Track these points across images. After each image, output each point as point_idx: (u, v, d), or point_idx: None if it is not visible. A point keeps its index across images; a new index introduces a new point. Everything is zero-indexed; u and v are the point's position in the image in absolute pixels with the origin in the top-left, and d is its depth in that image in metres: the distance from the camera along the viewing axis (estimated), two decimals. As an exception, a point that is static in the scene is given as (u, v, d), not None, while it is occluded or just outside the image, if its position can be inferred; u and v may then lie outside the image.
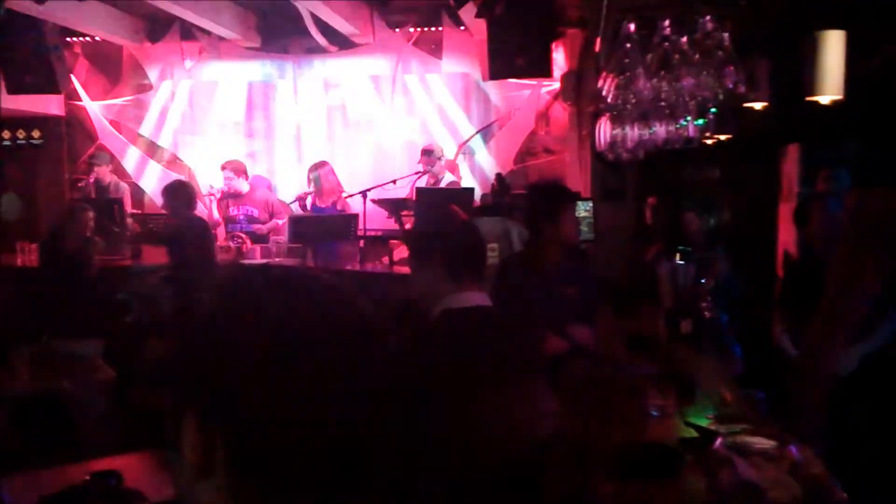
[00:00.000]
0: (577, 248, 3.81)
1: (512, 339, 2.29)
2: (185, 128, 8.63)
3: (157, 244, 6.34)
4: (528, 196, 3.86)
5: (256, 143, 8.50)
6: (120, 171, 8.29)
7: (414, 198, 6.66)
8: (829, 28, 3.86)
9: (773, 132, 4.93)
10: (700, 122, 3.78)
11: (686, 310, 3.82)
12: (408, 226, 6.36)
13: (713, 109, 3.67)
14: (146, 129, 8.67)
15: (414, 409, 1.93)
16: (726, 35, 3.16)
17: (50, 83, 7.39)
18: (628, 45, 3.15)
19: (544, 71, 6.29)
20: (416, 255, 2.42)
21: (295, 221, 6.73)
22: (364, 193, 6.77)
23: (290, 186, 8.05)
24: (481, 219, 4.75)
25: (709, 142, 4.23)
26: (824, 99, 3.86)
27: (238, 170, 7.24)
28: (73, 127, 8.65)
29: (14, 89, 7.25)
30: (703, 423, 2.69)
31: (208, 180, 7.67)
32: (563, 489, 2.17)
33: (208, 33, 8.02)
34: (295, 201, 7.31)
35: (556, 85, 7.25)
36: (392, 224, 6.74)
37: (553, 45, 6.41)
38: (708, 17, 3.11)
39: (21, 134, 8.39)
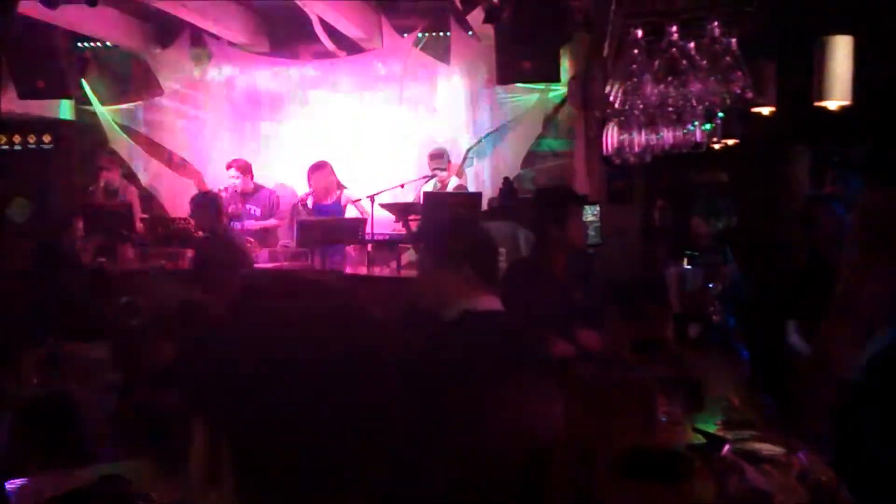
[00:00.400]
0: (584, 252, 3.81)
1: (522, 343, 2.30)
2: (194, 132, 8.65)
3: (178, 248, 6.34)
4: (536, 200, 3.87)
5: (265, 147, 8.51)
6: (129, 176, 8.31)
7: (420, 202, 6.67)
8: (838, 33, 3.85)
9: (780, 137, 4.92)
10: (707, 126, 3.78)
11: (694, 314, 3.81)
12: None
13: (720, 114, 3.66)
14: (156, 134, 8.70)
15: (426, 412, 1.95)
16: (734, 40, 3.16)
17: (60, 88, 7.43)
18: (635, 50, 3.15)
19: (552, 75, 6.30)
20: (431, 257, 2.42)
21: (302, 225, 6.73)
22: (371, 198, 6.78)
23: (299, 190, 8.05)
24: (488, 223, 4.76)
25: (716, 146, 4.22)
26: (832, 104, 3.85)
27: (243, 168, 7.25)
28: (84, 131, 8.68)
29: (25, 94, 7.29)
30: (711, 428, 2.67)
31: (217, 185, 7.68)
32: (570, 493, 2.17)
33: (218, 38, 8.05)
34: (297, 203, 7.32)
35: (564, 89, 7.25)
36: (399, 228, 6.75)
37: (561, 50, 6.41)
38: (715, 23, 3.11)
39: (31, 138, 8.43)
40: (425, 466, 1.94)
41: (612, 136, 4.18)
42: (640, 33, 3.12)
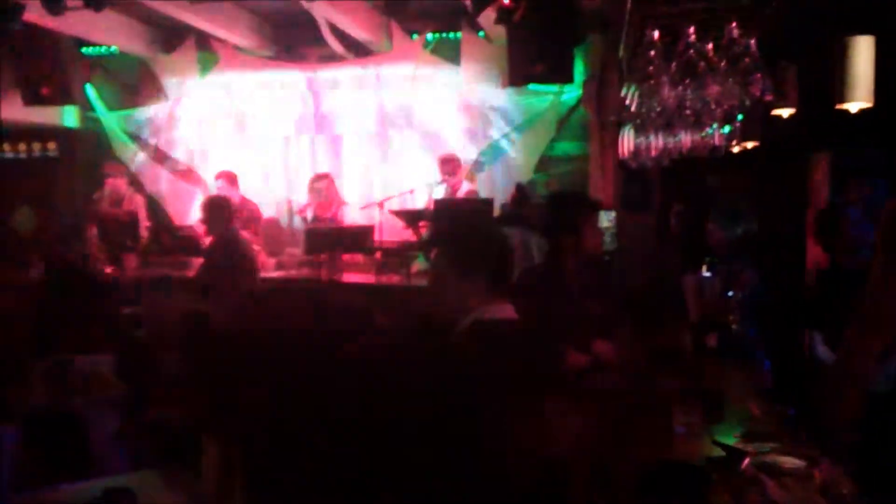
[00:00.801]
0: (599, 259, 3.74)
1: (536, 353, 2.24)
2: (200, 138, 8.64)
3: (184, 257, 6.33)
4: (549, 206, 3.80)
5: (271, 152, 8.48)
6: (135, 183, 8.30)
7: (431, 208, 6.63)
8: (859, 33, 3.78)
9: (801, 140, 4.84)
10: (726, 129, 3.70)
11: (712, 323, 3.74)
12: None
13: (740, 117, 3.60)
14: (161, 141, 8.70)
15: (439, 424, 1.90)
16: (753, 42, 3.09)
17: (66, 95, 7.46)
18: (652, 52, 3.09)
19: (565, 77, 6.22)
20: (441, 265, 2.37)
21: (310, 233, 6.71)
22: (381, 204, 6.74)
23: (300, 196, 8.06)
24: (500, 229, 4.68)
25: (735, 150, 4.15)
26: (853, 106, 3.78)
27: (230, 179, 7.25)
28: (89, 139, 8.68)
29: (30, 101, 7.31)
30: (731, 441, 2.63)
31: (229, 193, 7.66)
32: (586, 508, 2.12)
33: (224, 42, 8.02)
34: (297, 214, 7.31)
35: (578, 91, 7.17)
36: (409, 235, 6.71)
37: (574, 52, 6.33)
38: (734, 24, 3.04)
39: (37, 146, 8.45)
40: (438, 482, 1.90)
41: (628, 140, 4.12)
42: (656, 35, 3.06)
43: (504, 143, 7.88)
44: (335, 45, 7.68)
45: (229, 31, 7.55)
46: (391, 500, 0.93)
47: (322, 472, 0.87)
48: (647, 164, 4.26)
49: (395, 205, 7.16)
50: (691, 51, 3.04)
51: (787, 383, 3.53)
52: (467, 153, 7.80)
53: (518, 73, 6.29)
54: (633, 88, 3.19)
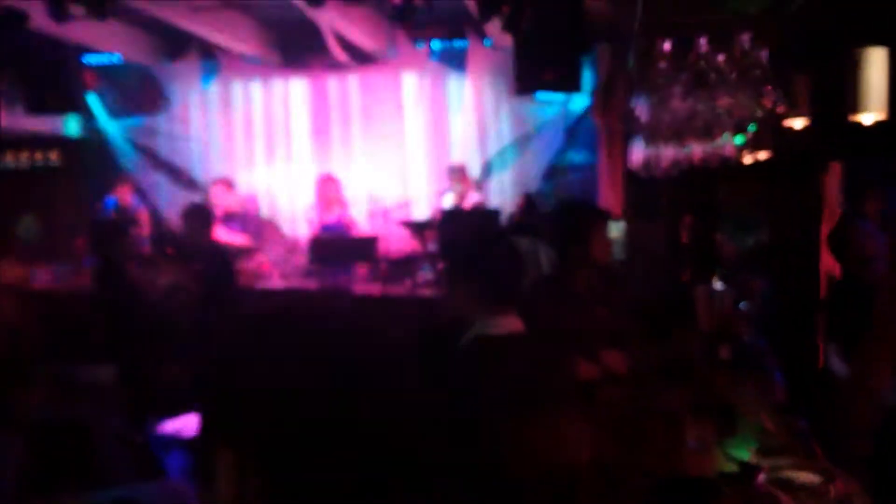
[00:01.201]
0: (608, 270, 3.71)
1: (544, 366, 2.21)
2: (202, 147, 8.62)
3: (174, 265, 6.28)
4: (557, 216, 3.77)
5: (276, 160, 8.46)
6: (139, 193, 8.28)
7: (437, 218, 6.62)
8: (872, 44, 3.76)
9: (813, 151, 4.81)
10: (738, 139, 3.68)
11: (724, 334, 3.71)
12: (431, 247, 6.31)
13: (751, 127, 3.57)
14: (164, 149, 8.69)
15: (448, 440, 1.88)
16: (765, 52, 3.07)
17: (69, 102, 7.45)
18: (662, 62, 3.07)
19: (573, 86, 6.20)
20: (448, 277, 2.35)
21: (315, 243, 6.70)
22: (386, 214, 6.72)
23: (309, 204, 8.05)
24: (508, 240, 4.65)
25: (746, 160, 4.12)
26: (867, 118, 3.76)
27: (227, 185, 7.25)
28: (92, 148, 8.68)
29: (33, 109, 7.32)
30: (745, 455, 2.60)
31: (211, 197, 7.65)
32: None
33: (227, 51, 8.01)
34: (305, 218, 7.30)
35: (586, 100, 7.14)
36: (415, 245, 6.70)
37: (582, 60, 6.31)
38: (746, 34, 3.03)
39: (39, 155, 8.46)
40: (450, 497, 1.87)
41: (637, 150, 4.10)
42: (667, 45, 3.04)
43: (511, 153, 7.85)
44: (339, 54, 7.66)
45: (232, 40, 7.54)
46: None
47: (327, 483, 0.86)
48: (657, 175, 4.23)
49: (401, 213, 7.15)
50: (702, 62, 3.03)
51: (801, 396, 3.50)
52: (474, 162, 7.77)
53: (525, 82, 6.26)
54: (643, 99, 3.17)
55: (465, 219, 6.36)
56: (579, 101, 7.33)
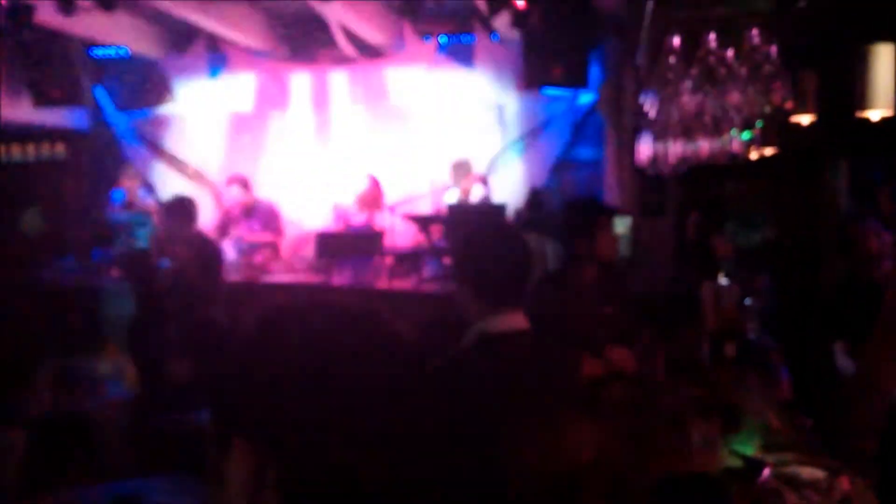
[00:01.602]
0: (615, 266, 3.70)
1: (549, 364, 2.20)
2: (209, 141, 8.59)
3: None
4: (565, 211, 3.76)
5: (282, 154, 8.45)
6: (146, 186, 8.28)
7: (443, 212, 6.60)
8: (880, 41, 3.74)
9: (820, 147, 4.80)
10: (745, 136, 3.67)
11: (730, 332, 3.70)
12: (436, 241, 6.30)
13: (759, 123, 3.56)
14: (170, 143, 8.66)
15: (452, 439, 1.88)
16: (773, 48, 3.06)
17: (75, 95, 7.45)
18: (672, 58, 3.06)
19: (581, 81, 6.18)
20: (453, 273, 2.34)
21: (321, 237, 6.70)
22: (392, 209, 6.71)
23: (314, 198, 8.03)
24: (513, 235, 4.63)
25: (753, 156, 4.11)
26: (874, 114, 3.75)
27: (243, 182, 7.26)
28: (98, 141, 8.66)
29: (39, 102, 7.32)
30: (750, 452, 2.60)
31: (227, 195, 7.66)
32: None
33: (234, 44, 7.99)
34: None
35: (594, 96, 7.12)
36: (421, 239, 6.68)
37: (590, 56, 6.29)
38: (755, 30, 3.01)
39: (46, 148, 8.46)
40: (455, 496, 1.87)
41: (645, 146, 4.09)
42: (677, 41, 3.03)
43: (518, 148, 7.81)
44: (346, 47, 7.64)
45: (239, 33, 7.51)
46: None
47: (340, 476, 0.88)
48: (665, 171, 4.22)
49: (406, 208, 7.14)
50: (711, 57, 3.02)
51: (806, 393, 3.50)
52: (481, 157, 7.74)
53: (533, 77, 6.26)
54: (652, 94, 3.16)
55: (470, 213, 6.35)
56: (586, 97, 7.30)
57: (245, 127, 8.49)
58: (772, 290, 4.00)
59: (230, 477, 0.90)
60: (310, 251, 6.99)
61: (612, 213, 3.71)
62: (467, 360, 2.11)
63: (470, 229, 2.41)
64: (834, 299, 3.95)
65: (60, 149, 8.50)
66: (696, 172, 4.33)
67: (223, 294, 5.23)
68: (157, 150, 8.66)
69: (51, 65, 7.17)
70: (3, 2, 5.46)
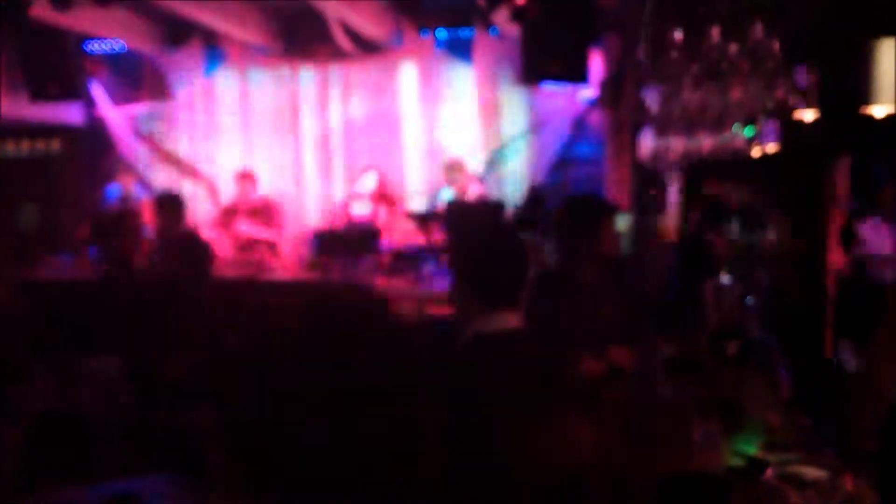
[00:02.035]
0: (615, 264, 3.67)
1: (547, 364, 2.17)
2: (205, 136, 8.56)
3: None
4: (564, 209, 3.73)
5: (280, 150, 8.42)
6: (141, 182, 8.25)
7: (441, 211, 6.59)
8: (883, 36, 3.72)
9: (823, 144, 4.77)
10: (747, 132, 3.64)
11: (731, 330, 3.68)
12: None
13: (762, 119, 3.54)
14: (167, 139, 8.63)
15: (448, 439, 1.86)
16: (776, 44, 3.03)
17: (71, 90, 7.42)
18: (674, 53, 3.03)
19: (580, 76, 6.14)
20: (449, 272, 2.31)
21: (318, 235, 6.69)
22: (391, 205, 6.69)
23: (315, 195, 8.01)
24: (511, 233, 4.60)
25: (755, 153, 4.08)
26: (878, 110, 3.72)
27: (249, 178, 7.25)
28: (94, 136, 8.63)
29: (35, 97, 7.30)
30: (752, 451, 2.58)
31: (229, 191, 7.64)
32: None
33: (231, 39, 7.95)
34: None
35: (594, 91, 7.08)
36: (419, 237, 6.67)
37: (590, 51, 6.25)
38: (758, 25, 2.98)
39: (41, 144, 8.43)
40: (453, 496, 1.86)
41: (646, 142, 4.06)
42: (679, 35, 3.00)
43: (517, 145, 7.78)
44: (344, 42, 7.60)
45: (236, 28, 7.48)
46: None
47: (332, 475, 0.87)
48: (665, 167, 4.20)
49: (405, 205, 7.13)
50: (714, 52, 2.99)
51: (808, 392, 3.48)
52: (479, 154, 7.72)
53: (532, 72, 6.22)
54: (654, 90, 3.13)
55: (469, 211, 6.33)
56: (587, 93, 7.26)
57: (241, 122, 8.47)
58: (773, 289, 3.98)
59: (211, 470, 0.89)
60: (308, 249, 6.99)
61: (613, 210, 3.68)
62: (462, 360, 2.09)
63: (468, 227, 2.38)
64: (839, 297, 3.93)
65: (55, 144, 8.46)
66: (697, 169, 4.31)
67: (213, 291, 5.20)
68: (152, 145, 8.63)
69: (47, 60, 7.13)
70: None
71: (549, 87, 7.09)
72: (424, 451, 0.92)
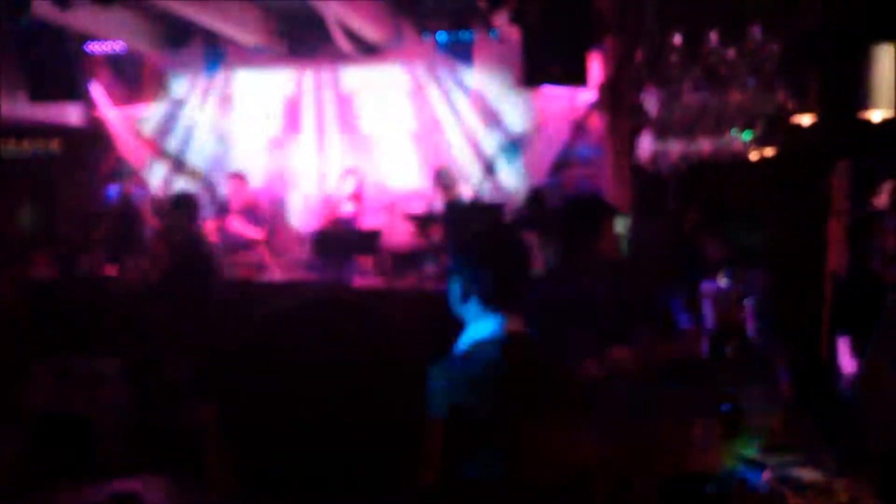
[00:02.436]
0: (615, 265, 3.69)
1: (548, 366, 2.18)
2: (205, 137, 8.58)
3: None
4: (566, 210, 3.75)
5: (278, 151, 8.43)
6: (141, 182, 8.26)
7: (443, 211, 6.60)
8: (882, 41, 3.74)
9: (821, 147, 4.79)
10: (746, 135, 3.66)
11: (730, 331, 3.69)
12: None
13: (761, 122, 3.55)
14: (166, 139, 8.65)
15: (448, 440, 1.87)
16: (776, 48, 3.05)
17: (72, 91, 7.43)
18: (673, 56, 3.05)
19: (580, 79, 6.15)
20: (449, 274, 2.31)
21: (318, 236, 6.69)
22: (391, 206, 6.70)
23: (313, 196, 8.01)
24: (512, 234, 4.62)
25: (753, 156, 4.10)
26: (876, 114, 3.74)
27: (241, 179, 7.27)
28: (93, 137, 8.64)
29: (35, 96, 7.30)
30: (751, 453, 2.59)
31: (226, 191, 7.65)
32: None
33: (231, 40, 7.95)
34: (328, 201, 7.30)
35: (593, 94, 7.10)
36: (420, 239, 6.68)
37: (589, 54, 6.27)
38: (757, 29, 3.00)
39: (41, 144, 8.43)
40: (453, 497, 1.86)
41: (645, 145, 4.08)
42: (678, 39, 3.01)
43: (517, 146, 7.81)
44: (344, 44, 7.61)
45: (237, 29, 7.49)
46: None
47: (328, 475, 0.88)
48: (664, 170, 4.21)
49: (405, 206, 7.14)
50: (714, 56, 3.01)
51: (808, 392, 3.49)
52: (480, 155, 7.74)
53: (532, 75, 6.22)
54: (653, 93, 3.15)
55: (469, 213, 6.34)
56: (586, 95, 7.28)
57: (242, 123, 8.48)
58: (772, 290, 3.98)
59: (207, 469, 0.91)
60: (305, 250, 6.99)
61: (613, 212, 3.70)
62: (463, 363, 2.09)
63: (468, 229, 2.39)
64: (837, 298, 3.94)
65: (55, 144, 8.46)
66: (696, 171, 4.32)
67: (218, 291, 5.23)
68: (153, 145, 8.64)
69: (47, 60, 7.13)
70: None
71: (549, 90, 7.12)
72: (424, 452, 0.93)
